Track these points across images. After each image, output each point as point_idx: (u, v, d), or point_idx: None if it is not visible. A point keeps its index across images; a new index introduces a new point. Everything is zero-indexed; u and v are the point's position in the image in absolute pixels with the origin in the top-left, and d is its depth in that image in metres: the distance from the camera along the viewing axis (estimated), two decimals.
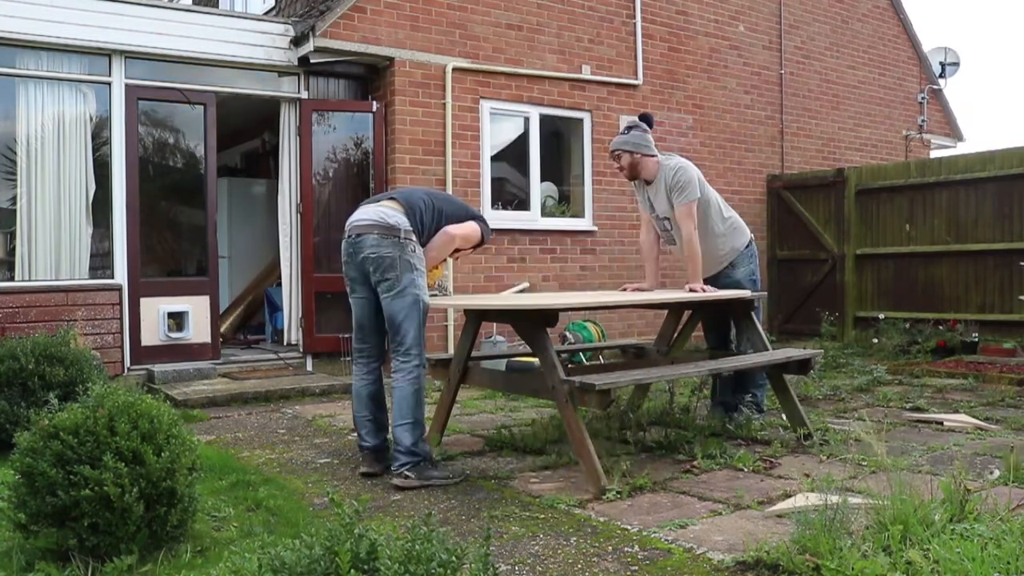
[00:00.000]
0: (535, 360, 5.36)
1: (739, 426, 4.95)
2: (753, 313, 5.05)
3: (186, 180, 7.87)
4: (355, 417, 4.32)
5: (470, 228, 4.36)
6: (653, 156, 5.10)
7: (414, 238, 4.06)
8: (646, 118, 5.18)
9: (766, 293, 5.12)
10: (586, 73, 8.87)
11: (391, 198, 4.22)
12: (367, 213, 4.12)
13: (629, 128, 5.11)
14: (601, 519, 3.40)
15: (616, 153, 5.10)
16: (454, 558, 2.01)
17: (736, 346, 5.33)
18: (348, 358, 7.49)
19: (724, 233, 5.21)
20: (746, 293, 5.03)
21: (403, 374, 4.02)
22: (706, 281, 5.09)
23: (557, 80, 8.66)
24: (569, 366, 5.31)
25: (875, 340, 8.73)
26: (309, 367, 7.68)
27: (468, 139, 8.11)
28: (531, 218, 8.57)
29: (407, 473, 3.94)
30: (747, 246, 5.32)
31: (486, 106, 8.24)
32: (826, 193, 9.89)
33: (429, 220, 4.19)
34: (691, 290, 4.88)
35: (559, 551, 3.04)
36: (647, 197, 5.22)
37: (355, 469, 4.31)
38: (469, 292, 7.98)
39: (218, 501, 3.63)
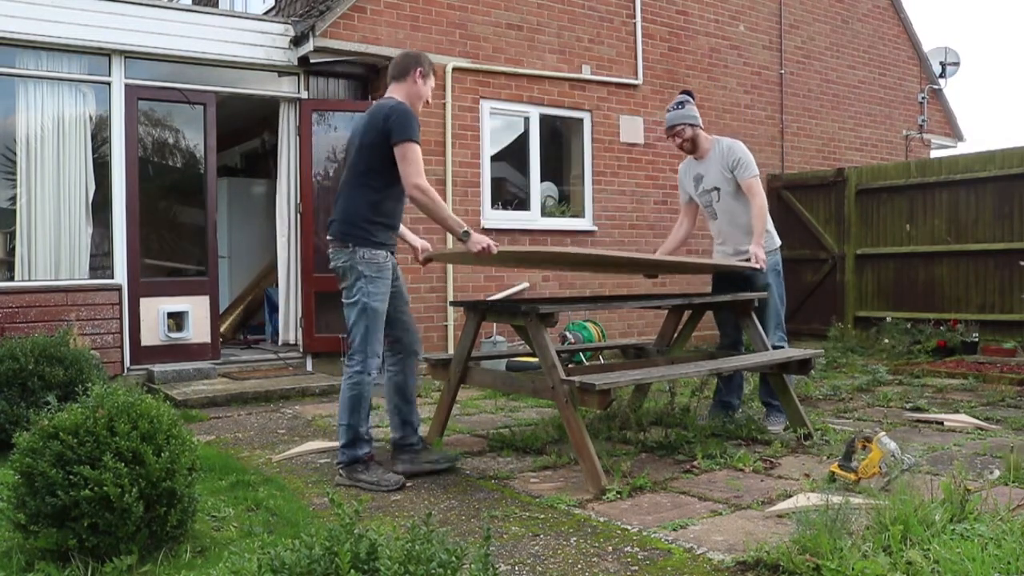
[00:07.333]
0: (535, 360, 5.36)
1: (739, 426, 4.95)
2: (766, 309, 5.10)
3: (186, 180, 7.87)
4: (387, 409, 4.36)
5: (411, 163, 3.90)
6: (704, 130, 5.27)
7: (364, 245, 4.00)
8: (690, 93, 5.33)
9: (765, 294, 5.11)
10: (586, 73, 8.87)
11: (334, 218, 4.13)
12: (330, 224, 4.18)
13: (681, 104, 5.20)
14: (601, 519, 3.40)
15: (679, 128, 5.16)
16: (454, 558, 2.01)
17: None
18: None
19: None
20: (749, 295, 5.02)
21: (345, 378, 4.08)
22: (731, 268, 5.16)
23: (557, 80, 8.66)
24: (569, 366, 5.31)
25: (886, 341, 8.69)
26: (309, 367, 7.68)
27: (468, 139, 8.11)
28: (531, 218, 8.56)
29: (341, 471, 4.06)
30: (777, 249, 5.33)
31: (486, 106, 8.24)
32: (826, 193, 9.89)
33: (373, 200, 4.02)
34: (754, 252, 4.93)
35: (559, 551, 3.04)
36: (695, 174, 5.28)
37: None
38: (469, 292, 7.98)
39: (218, 501, 3.62)
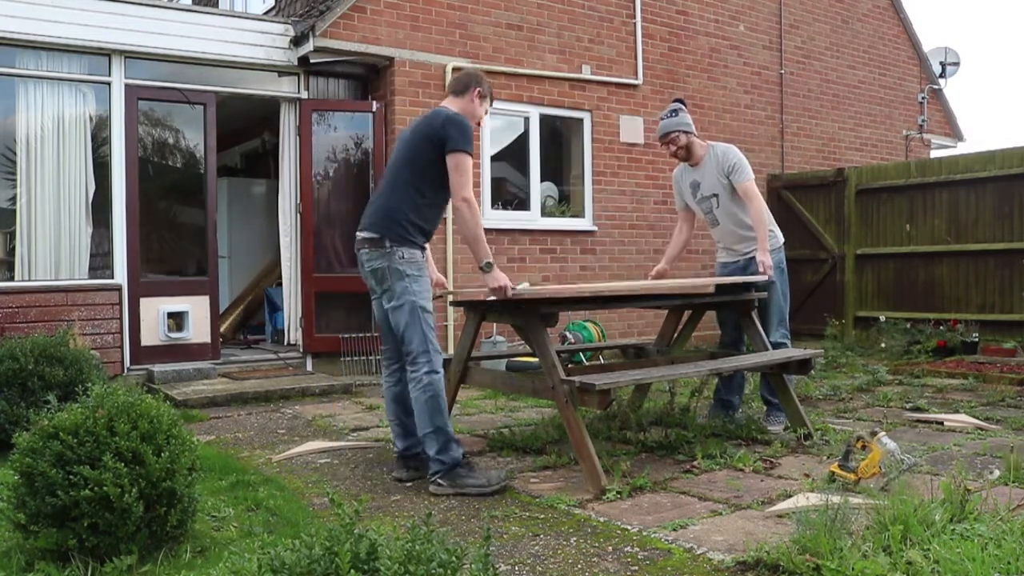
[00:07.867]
0: (535, 360, 5.36)
1: (739, 426, 4.95)
2: (770, 305, 5.14)
3: (186, 180, 7.87)
4: (388, 419, 4.30)
5: (463, 174, 3.91)
6: (698, 136, 5.26)
7: (402, 245, 3.96)
8: (682, 101, 5.32)
9: (766, 294, 5.11)
10: (586, 73, 8.87)
11: (370, 214, 4.07)
12: (362, 224, 4.10)
13: (675, 111, 5.19)
14: (601, 519, 3.40)
15: (673, 135, 5.14)
16: (454, 558, 2.01)
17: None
18: (348, 358, 7.53)
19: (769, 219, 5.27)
20: (749, 295, 5.03)
21: (414, 384, 3.95)
22: (736, 265, 5.19)
23: (557, 80, 8.66)
24: (569, 366, 5.31)
25: (885, 342, 8.68)
26: (309, 367, 7.68)
27: None
28: (531, 218, 8.56)
29: (439, 481, 3.87)
30: (781, 246, 5.35)
31: None
32: (826, 193, 9.89)
33: (417, 202, 3.99)
34: (761, 260, 4.93)
35: (559, 551, 3.04)
36: (691, 181, 5.27)
37: (355, 468, 4.32)
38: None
39: (218, 501, 3.62)
